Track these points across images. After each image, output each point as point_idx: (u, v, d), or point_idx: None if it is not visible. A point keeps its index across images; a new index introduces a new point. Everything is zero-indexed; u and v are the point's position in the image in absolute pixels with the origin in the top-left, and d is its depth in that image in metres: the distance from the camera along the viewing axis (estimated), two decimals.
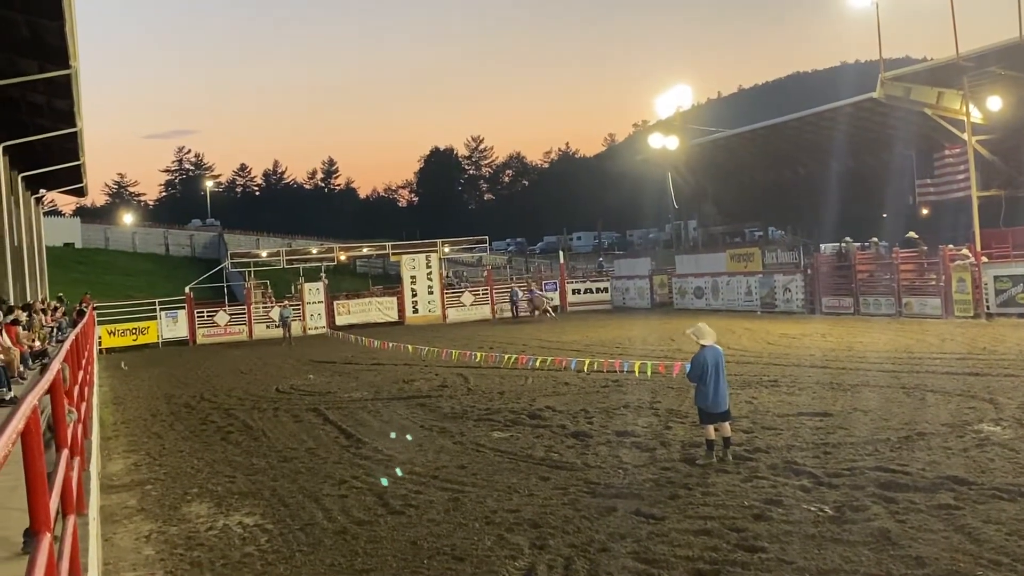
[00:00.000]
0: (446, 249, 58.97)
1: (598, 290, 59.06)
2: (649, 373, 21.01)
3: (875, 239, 43.41)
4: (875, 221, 49.09)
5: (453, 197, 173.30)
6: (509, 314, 54.48)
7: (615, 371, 23.41)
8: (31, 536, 4.41)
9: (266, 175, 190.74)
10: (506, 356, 25.72)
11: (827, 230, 48.19)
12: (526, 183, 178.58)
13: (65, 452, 6.18)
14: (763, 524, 10.31)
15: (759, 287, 45.95)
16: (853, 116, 42.83)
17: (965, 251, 35.79)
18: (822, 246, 47.56)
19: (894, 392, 18.96)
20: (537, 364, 25.13)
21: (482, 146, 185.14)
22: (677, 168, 56.96)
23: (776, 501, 11.18)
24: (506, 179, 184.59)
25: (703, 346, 13.73)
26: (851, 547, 9.35)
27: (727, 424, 13.78)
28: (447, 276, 61.98)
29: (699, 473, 12.87)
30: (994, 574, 8.39)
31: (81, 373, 11.37)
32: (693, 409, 17.06)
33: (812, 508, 10.83)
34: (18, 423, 3.77)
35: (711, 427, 13.64)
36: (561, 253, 64.40)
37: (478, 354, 27.47)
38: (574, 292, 58.38)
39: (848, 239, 43.36)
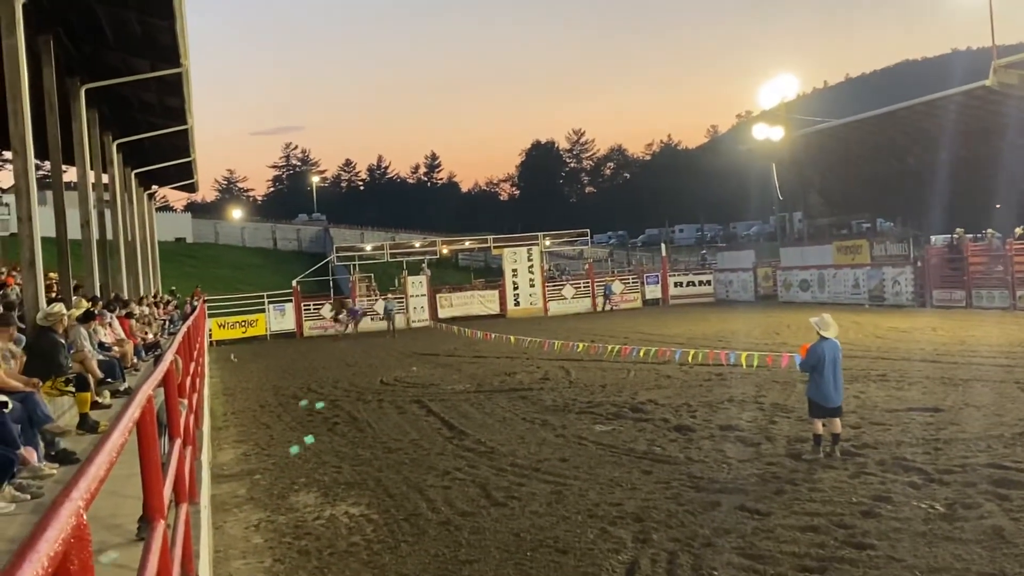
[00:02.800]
0: (547, 242, 58.97)
1: (701, 283, 58.46)
2: (755, 365, 20.75)
3: (990, 230, 42.14)
4: (987, 212, 47.58)
5: (554, 190, 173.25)
6: (609, 306, 54.41)
7: (720, 363, 23.14)
8: (145, 523, 4.52)
9: (370, 170, 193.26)
10: (609, 347, 25.60)
11: (937, 221, 46.91)
12: (627, 176, 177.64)
13: (178, 442, 6.34)
14: (872, 521, 10.11)
15: (867, 280, 45.02)
16: (964, 105, 41.55)
17: None
18: (932, 238, 46.37)
19: (1008, 387, 18.40)
20: (640, 355, 24.97)
21: (583, 139, 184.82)
22: (782, 159, 56.03)
23: (885, 498, 10.95)
24: (607, 172, 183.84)
25: (823, 338, 13.53)
26: (963, 545, 9.12)
27: (837, 420, 13.54)
28: (548, 269, 61.98)
29: (805, 469, 12.66)
30: None
31: (192, 365, 11.65)
32: (799, 404, 16.85)
33: (922, 505, 10.58)
34: (133, 413, 3.87)
35: (820, 422, 13.41)
36: (663, 246, 63.79)
37: (580, 344, 27.44)
38: (676, 285, 57.88)
39: (960, 230, 42.20)
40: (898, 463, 12.55)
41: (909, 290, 42.49)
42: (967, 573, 8.39)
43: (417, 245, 63.43)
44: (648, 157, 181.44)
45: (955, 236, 41.88)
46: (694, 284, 58.38)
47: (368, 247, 64.06)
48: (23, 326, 13.10)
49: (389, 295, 51.91)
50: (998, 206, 48.32)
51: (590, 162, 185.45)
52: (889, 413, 16.39)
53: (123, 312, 21.78)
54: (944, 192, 44.34)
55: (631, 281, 58.29)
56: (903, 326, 32.53)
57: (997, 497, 10.67)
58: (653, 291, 57.25)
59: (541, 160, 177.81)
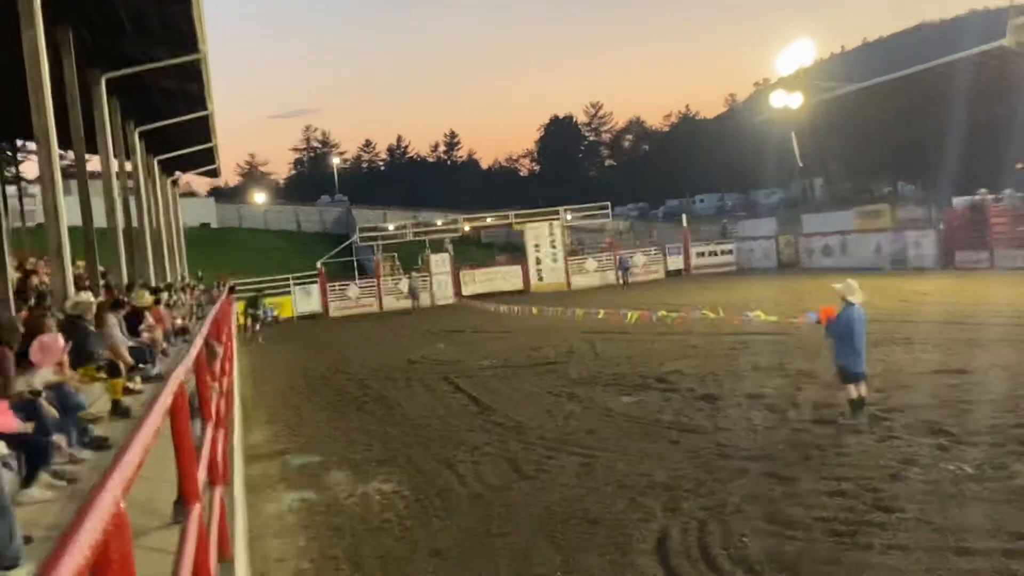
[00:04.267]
0: (568, 216, 58.83)
1: (723, 252, 58.29)
2: (776, 319, 20.65)
3: (1009, 190, 41.75)
4: (1008, 173, 47.16)
5: (574, 164, 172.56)
6: (626, 279, 54.23)
7: (743, 332, 23.06)
8: (182, 505, 4.56)
9: (390, 150, 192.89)
10: (630, 313, 25.53)
11: (958, 183, 46.54)
12: (646, 148, 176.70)
13: (210, 425, 6.39)
14: (900, 484, 10.10)
15: (889, 244, 44.75)
16: (983, 65, 41.15)
17: None
18: (954, 200, 46.02)
19: None
20: (662, 313, 24.78)
21: (601, 112, 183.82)
22: (801, 126, 55.70)
23: (912, 461, 10.94)
24: (626, 144, 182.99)
25: (849, 304, 13.46)
26: (993, 506, 9.10)
27: (864, 385, 13.49)
28: (570, 243, 61.89)
29: (832, 434, 12.65)
30: None
31: (222, 348, 11.72)
32: (824, 370, 16.81)
33: (950, 467, 10.56)
34: (166, 399, 3.89)
35: (852, 386, 13.35)
36: (684, 216, 63.60)
37: (600, 311, 27.36)
38: (698, 255, 57.73)
39: (983, 191, 41.83)
40: (925, 426, 12.52)
41: (932, 253, 42.23)
42: (998, 533, 8.37)
43: (439, 223, 63.43)
44: (666, 128, 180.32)
45: (978, 197, 41.53)
46: (716, 254, 58.23)
47: (391, 227, 64.24)
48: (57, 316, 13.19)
49: (413, 274, 51.99)
50: (1019, 166, 47.87)
51: (609, 135, 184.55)
52: (914, 376, 16.34)
53: (152, 299, 21.88)
54: (965, 154, 43.97)
55: (653, 253, 58.16)
56: (926, 289, 32.35)
57: None
58: (675, 262, 57.13)
59: (560, 135, 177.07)
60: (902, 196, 53.54)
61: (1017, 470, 10.17)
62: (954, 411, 13.29)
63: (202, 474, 5.04)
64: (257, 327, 39.30)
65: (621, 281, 53.42)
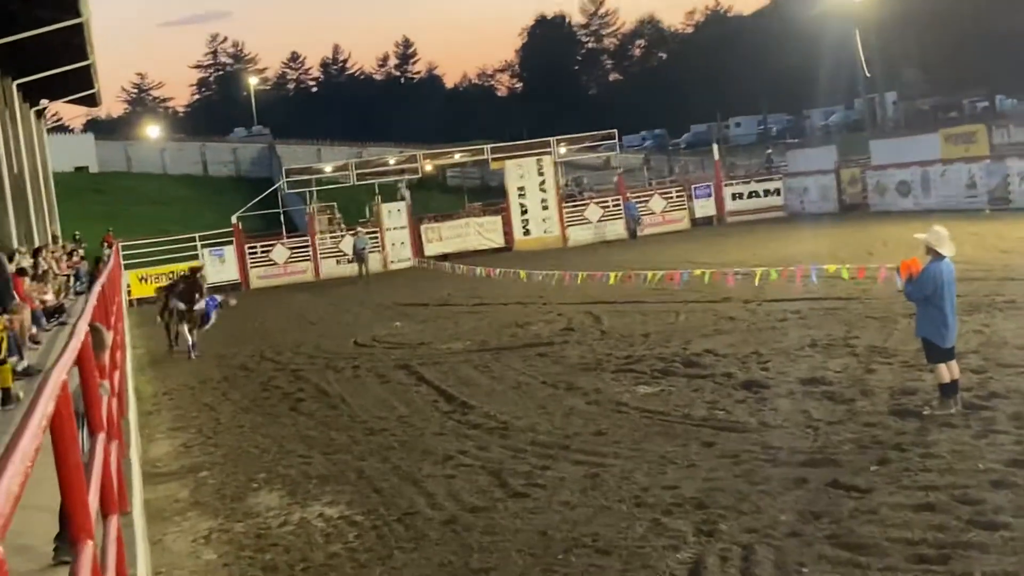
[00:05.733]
0: (562, 150, 58.74)
1: (767, 192, 58.23)
2: (846, 276, 20.63)
3: None
4: None
5: (568, 80, 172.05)
6: (638, 232, 54.15)
7: (797, 298, 23.14)
8: (66, 543, 4.58)
9: (324, 65, 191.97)
10: (650, 274, 25.56)
11: None
12: (664, 56, 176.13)
13: (101, 437, 6.38)
14: (1005, 493, 10.20)
15: (986, 177, 44.82)
16: None
17: None
18: None
19: None
20: (696, 273, 24.75)
21: (603, 10, 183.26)
22: (867, 22, 55.61)
23: (1021, 462, 11.03)
24: (637, 53, 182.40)
25: (938, 256, 13.48)
26: None
27: (955, 364, 13.57)
28: (566, 185, 61.77)
29: (915, 430, 12.74)
30: None
31: (111, 334, 11.70)
32: (902, 345, 16.92)
33: None
34: (46, 407, 3.88)
35: (943, 366, 13.41)
36: (715, 147, 63.52)
37: (611, 275, 27.42)
38: (735, 197, 57.71)
39: None
40: None
41: None
42: None
43: (392, 162, 63.30)
44: (690, 30, 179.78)
45: None
46: (758, 195, 58.17)
47: (328, 168, 63.87)
48: None
49: (359, 229, 51.83)
50: None
51: (613, 40, 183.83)
52: (1022, 351, 16.43)
53: (13, 269, 21.80)
54: None
55: (675, 195, 58.11)
56: None
57: None
58: (704, 207, 57.14)
59: (549, 41, 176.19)
60: (1002, 114, 53.60)
61: None
62: None
63: (93, 502, 5.05)
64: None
65: (630, 234, 53.45)
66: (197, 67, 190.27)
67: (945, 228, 13.87)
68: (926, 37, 55.14)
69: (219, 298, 28.67)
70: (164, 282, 36.87)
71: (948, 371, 13.37)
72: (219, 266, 50.40)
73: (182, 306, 26.95)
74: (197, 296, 26.90)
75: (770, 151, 72.57)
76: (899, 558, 8.91)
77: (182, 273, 30.70)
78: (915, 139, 51.20)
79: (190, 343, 26.97)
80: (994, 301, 21.07)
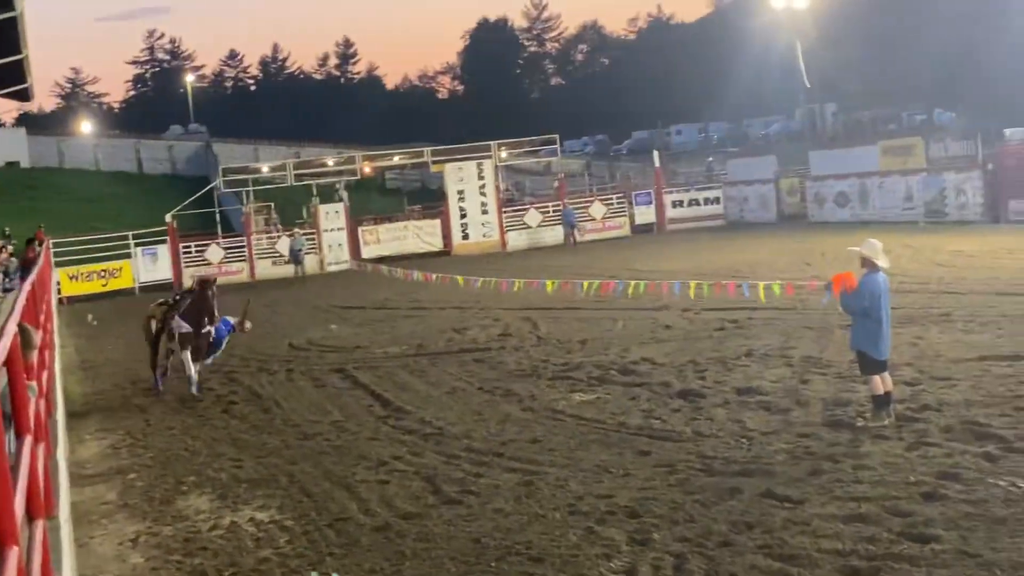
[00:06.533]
0: (503, 154, 58.72)
1: (707, 201, 58.61)
2: (777, 292, 20.71)
3: None
4: None
5: (510, 84, 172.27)
6: (575, 239, 54.28)
7: (734, 307, 23.30)
8: None
9: (263, 64, 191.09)
10: (586, 283, 25.63)
11: (1017, 109, 47.18)
12: (606, 62, 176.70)
13: (28, 439, 6.33)
14: (936, 506, 10.33)
15: (923, 190, 45.31)
16: None
17: None
18: (1007, 132, 46.69)
19: None
20: (629, 292, 24.98)
21: (546, 14, 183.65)
22: (809, 33, 56.08)
23: (953, 475, 11.18)
24: (579, 57, 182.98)
25: (874, 269, 13.64)
26: None
27: (887, 375, 13.73)
28: (506, 190, 61.82)
29: (848, 441, 12.88)
30: None
31: (40, 334, 11.60)
32: (837, 356, 17.09)
33: (1001, 483, 10.82)
34: None
35: (877, 378, 13.56)
36: (656, 154, 63.80)
37: (548, 283, 27.52)
38: (675, 205, 58.01)
39: None
40: (968, 429, 12.79)
41: (978, 202, 42.82)
42: None
43: (330, 163, 63.16)
44: (632, 36, 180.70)
45: None
46: (698, 203, 58.53)
47: (265, 167, 63.62)
48: None
49: (296, 230, 51.62)
50: None
51: (556, 45, 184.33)
52: (955, 364, 16.63)
53: None
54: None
55: (616, 202, 58.33)
56: (971, 249, 32.85)
57: None
58: (645, 214, 57.34)
59: (491, 44, 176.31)
60: (940, 127, 54.19)
61: None
62: (1006, 410, 13.58)
63: (19, 506, 5.01)
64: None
65: (569, 240, 53.59)
66: (133, 63, 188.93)
67: (880, 241, 14.03)
68: (866, 50, 55.74)
69: (232, 321, 22.00)
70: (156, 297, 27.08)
71: (882, 383, 13.53)
72: (151, 265, 50.02)
73: (187, 328, 20.58)
74: (207, 318, 20.82)
75: (711, 159, 73.02)
76: (829, 569, 9.01)
77: (188, 287, 24.04)
78: (854, 150, 51.66)
79: (192, 378, 20.67)
80: (928, 314, 21.35)
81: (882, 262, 13.72)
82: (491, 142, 57.36)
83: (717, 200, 58.44)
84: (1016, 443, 12.01)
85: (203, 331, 20.73)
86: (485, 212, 54.65)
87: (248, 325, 22.19)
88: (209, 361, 21.73)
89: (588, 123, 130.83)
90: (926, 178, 45.22)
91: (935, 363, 16.80)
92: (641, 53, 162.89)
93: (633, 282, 24.66)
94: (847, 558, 9.19)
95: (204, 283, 21.34)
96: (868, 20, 53.24)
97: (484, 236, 54.35)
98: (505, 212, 55.77)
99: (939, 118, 59.72)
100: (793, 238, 43.59)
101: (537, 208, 57.62)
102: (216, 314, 20.87)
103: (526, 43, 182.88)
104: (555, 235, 55.14)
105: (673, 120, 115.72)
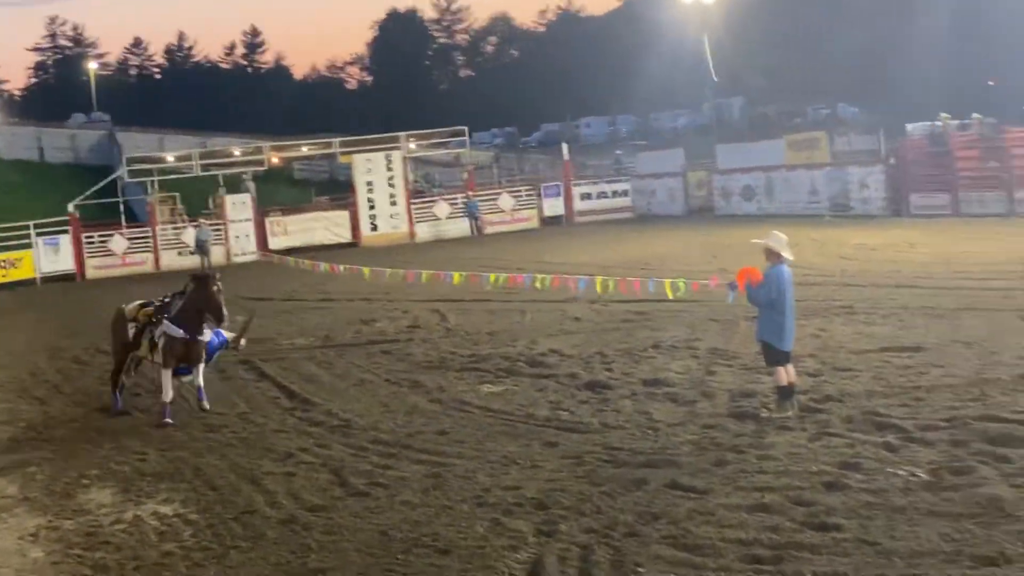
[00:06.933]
0: (412, 145, 58.62)
1: (615, 193, 58.94)
2: (682, 289, 20.75)
3: (977, 115, 43.14)
4: (980, 91, 48.75)
5: (419, 75, 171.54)
6: (477, 229, 54.40)
7: (638, 295, 23.37)
8: None
9: (169, 52, 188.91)
10: (492, 276, 25.67)
11: (918, 105, 47.84)
12: (515, 54, 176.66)
13: None
14: (837, 495, 10.48)
15: (827, 184, 45.85)
16: None
17: None
18: (908, 127, 47.26)
19: (1006, 317, 19.12)
20: (537, 285, 24.99)
21: (455, 6, 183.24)
22: (717, 27, 56.48)
23: (854, 465, 11.35)
24: (489, 49, 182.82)
25: (780, 261, 13.78)
26: (952, 521, 9.50)
27: (791, 366, 13.90)
28: (415, 181, 61.69)
29: (753, 432, 13.02)
30: None
31: None
32: (743, 348, 17.28)
33: (901, 472, 11.00)
34: None
35: (781, 369, 13.73)
36: (565, 146, 63.89)
37: (455, 275, 27.52)
38: (584, 197, 58.25)
39: (945, 115, 43.06)
40: (869, 419, 12.99)
41: (881, 195, 43.42)
42: (958, 557, 8.74)
43: (237, 153, 62.55)
44: (542, 28, 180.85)
45: (938, 124, 42.80)
46: (607, 195, 58.84)
47: (170, 157, 62.95)
48: None
49: (202, 221, 51.15)
50: (991, 83, 49.49)
51: (465, 37, 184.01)
52: (857, 355, 16.90)
53: None
54: (927, 67, 45.19)
55: (524, 195, 58.43)
56: (873, 242, 33.33)
57: (993, 458, 11.12)
58: (554, 206, 57.58)
59: (400, 35, 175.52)
60: (844, 121, 54.87)
61: (984, 475, 10.61)
62: (906, 400, 13.82)
63: None
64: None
65: (474, 231, 53.74)
66: (35, 50, 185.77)
67: (785, 234, 14.19)
68: (772, 45, 56.37)
69: (228, 336, 18.06)
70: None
71: (786, 374, 13.70)
72: (54, 256, 49.32)
73: (179, 334, 16.91)
74: (213, 318, 17.02)
75: (619, 152, 73.29)
76: (733, 558, 9.09)
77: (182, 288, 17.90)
78: (761, 144, 52.16)
79: (169, 397, 16.93)
80: (831, 306, 21.65)
81: (786, 255, 13.88)
82: (400, 133, 57.41)
83: (625, 193, 58.81)
84: (915, 433, 12.21)
85: (200, 337, 17.04)
86: (394, 203, 54.52)
87: (243, 343, 18.59)
88: (190, 377, 17.59)
89: (497, 115, 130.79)
90: (830, 172, 45.82)
91: (837, 355, 17.05)
92: (550, 45, 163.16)
93: (540, 276, 24.70)
94: (750, 547, 9.28)
95: (205, 279, 17.47)
96: (774, 16, 53.84)
97: (393, 228, 54.20)
98: (414, 204, 55.67)
99: (843, 112, 60.47)
100: (700, 231, 43.97)
101: (446, 200, 57.59)
102: (225, 312, 16.82)
103: (436, 34, 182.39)
104: (464, 227, 55.14)
105: (582, 113, 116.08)
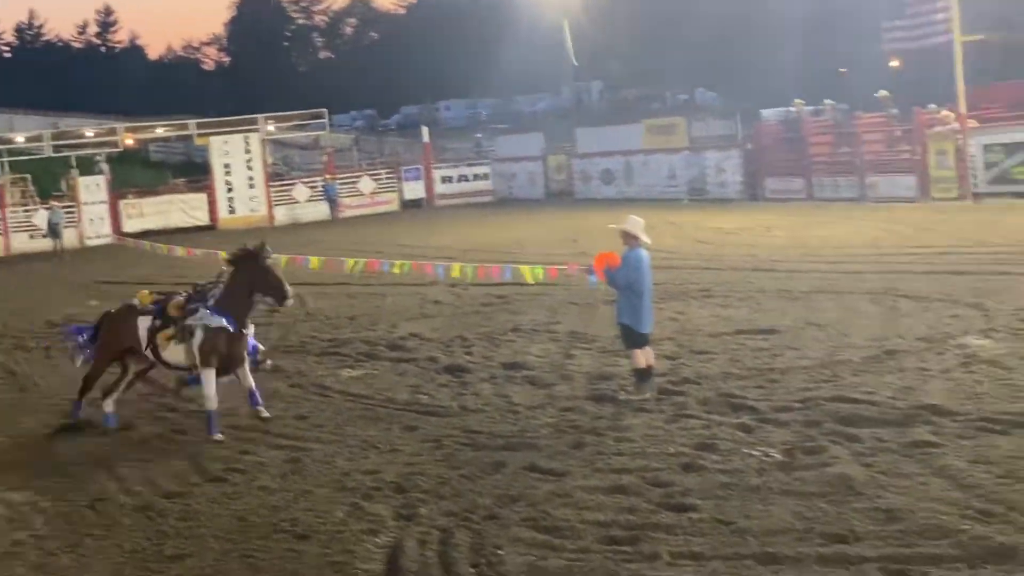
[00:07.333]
0: (271, 127, 58.13)
1: (476, 177, 59.04)
2: (541, 275, 20.74)
3: (830, 101, 44.00)
4: (832, 78, 49.73)
5: (277, 56, 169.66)
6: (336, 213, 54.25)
7: (497, 280, 23.42)
8: None
9: (19, 30, 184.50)
10: (351, 261, 25.56)
11: (772, 91, 48.67)
12: (375, 36, 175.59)
13: None
14: (694, 476, 10.64)
15: (685, 168, 46.36)
16: None
17: (946, 114, 36.47)
18: (763, 112, 48.02)
19: (857, 300, 19.58)
20: (395, 270, 24.88)
21: None
22: (576, 12, 56.78)
23: (710, 446, 11.53)
24: (348, 31, 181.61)
25: (636, 244, 13.89)
26: (804, 500, 9.69)
27: (649, 349, 14.05)
28: (274, 164, 61.15)
29: (611, 415, 13.15)
30: (983, 527, 8.77)
31: None
32: (602, 331, 17.44)
33: (755, 453, 11.21)
34: None
35: (639, 352, 13.86)
36: (425, 129, 63.82)
37: (313, 260, 27.28)
38: (444, 181, 58.24)
39: (799, 101, 43.84)
40: (725, 401, 13.21)
41: (737, 180, 44.05)
42: (809, 535, 8.92)
43: (90, 134, 61.39)
44: (403, 10, 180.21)
45: (792, 110, 43.56)
46: (467, 179, 58.92)
47: (20, 138, 61.69)
48: None
49: (53, 203, 50.10)
50: (843, 70, 50.51)
51: (324, 18, 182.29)
52: (713, 338, 17.18)
53: None
54: (782, 53, 45.99)
55: (384, 177, 58.25)
56: (730, 226, 33.84)
57: (845, 438, 11.36)
58: (414, 189, 57.50)
59: (257, 15, 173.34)
60: (701, 106, 55.59)
61: (835, 455, 10.85)
62: (760, 382, 14.09)
63: None
64: None
65: (331, 214, 53.60)
66: None
67: (644, 218, 14.33)
68: (631, 31, 56.89)
69: (260, 347, 16.39)
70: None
71: (644, 357, 13.85)
72: None
73: (223, 324, 14.02)
74: (272, 298, 14.58)
75: (480, 136, 73.42)
76: (591, 540, 9.17)
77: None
78: (619, 128, 52.57)
79: (214, 405, 13.98)
80: (689, 289, 21.96)
81: (644, 238, 14.01)
82: (258, 115, 56.83)
83: (486, 176, 58.94)
84: (769, 414, 12.44)
85: (245, 331, 14.47)
86: (252, 186, 54.01)
87: (270, 363, 16.62)
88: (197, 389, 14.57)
89: (357, 97, 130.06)
90: (688, 156, 46.37)
91: (695, 337, 17.31)
92: (411, 28, 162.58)
93: (399, 262, 24.63)
94: (608, 528, 9.37)
95: (253, 254, 14.85)
96: (633, 1, 54.24)
97: (251, 211, 53.68)
98: (273, 187, 55.22)
99: (701, 98, 61.26)
100: (560, 214, 44.24)
101: (305, 183, 57.17)
102: (288, 288, 14.34)
103: (294, 15, 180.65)
104: (323, 210, 54.82)
105: (442, 96, 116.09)
